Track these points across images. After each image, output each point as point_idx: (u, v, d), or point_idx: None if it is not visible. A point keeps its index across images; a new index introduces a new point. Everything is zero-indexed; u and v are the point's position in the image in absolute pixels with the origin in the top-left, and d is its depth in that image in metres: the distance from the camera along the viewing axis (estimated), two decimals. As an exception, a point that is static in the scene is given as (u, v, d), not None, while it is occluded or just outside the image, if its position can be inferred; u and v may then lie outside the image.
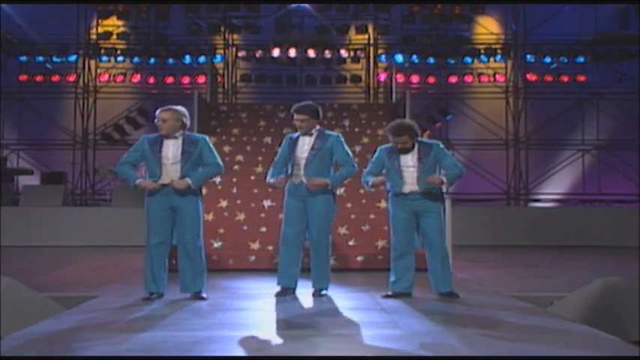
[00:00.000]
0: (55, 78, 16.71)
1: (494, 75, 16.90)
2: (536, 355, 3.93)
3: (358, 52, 17.03)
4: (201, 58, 16.61)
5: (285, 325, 4.88)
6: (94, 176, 16.78)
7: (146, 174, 5.93)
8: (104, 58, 16.93)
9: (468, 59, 16.77)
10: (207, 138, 5.99)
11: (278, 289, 6.19)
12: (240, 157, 10.57)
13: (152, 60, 16.82)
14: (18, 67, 16.80)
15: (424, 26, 16.98)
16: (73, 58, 16.84)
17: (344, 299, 6.01)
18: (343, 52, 16.76)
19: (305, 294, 6.13)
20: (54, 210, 12.89)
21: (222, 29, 16.99)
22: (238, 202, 9.57)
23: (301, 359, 3.89)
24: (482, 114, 17.08)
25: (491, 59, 16.84)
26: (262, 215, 9.31)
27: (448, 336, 4.40)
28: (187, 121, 5.91)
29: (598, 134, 17.08)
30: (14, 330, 4.56)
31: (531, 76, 16.85)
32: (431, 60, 16.65)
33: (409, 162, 5.95)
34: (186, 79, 16.70)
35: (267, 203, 9.44)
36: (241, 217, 9.25)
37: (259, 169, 10.37)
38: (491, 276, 7.98)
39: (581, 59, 16.52)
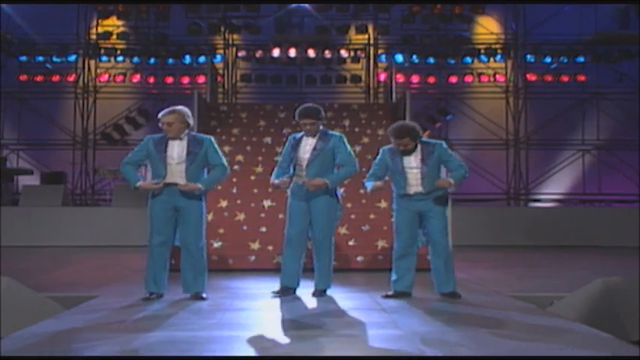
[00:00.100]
0: (55, 78, 16.71)
1: (494, 75, 16.90)
2: (536, 355, 3.93)
3: (358, 52, 17.02)
4: (201, 58, 16.60)
5: (285, 325, 4.88)
6: (94, 176, 16.77)
7: (148, 174, 5.92)
8: (104, 58, 16.92)
9: (468, 59, 16.76)
10: (212, 138, 5.97)
11: (277, 287, 6.21)
12: (240, 157, 10.57)
13: (152, 60, 16.81)
14: (18, 67, 16.79)
15: (424, 26, 16.97)
16: (73, 58, 16.83)
17: (344, 299, 6.00)
18: (343, 52, 16.75)
19: (305, 294, 6.14)
20: (54, 210, 12.89)
21: (222, 29, 16.98)
22: (238, 202, 9.56)
23: (301, 359, 3.89)
24: (482, 114, 17.08)
25: (492, 59, 16.83)
26: (262, 215, 9.30)
27: (448, 336, 4.40)
28: (191, 121, 5.90)
29: (598, 134, 17.07)
30: (14, 330, 4.56)
31: (531, 76, 16.84)
32: (431, 60, 16.64)
33: (412, 163, 5.93)
34: (186, 79, 16.70)
35: (267, 203, 9.44)
36: (241, 217, 9.25)
37: (259, 169, 10.37)
38: (492, 276, 7.98)
39: (581, 59, 16.51)
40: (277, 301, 5.90)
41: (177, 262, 6.24)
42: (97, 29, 17.01)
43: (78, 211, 13.51)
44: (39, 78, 16.66)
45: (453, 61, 16.75)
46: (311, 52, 16.41)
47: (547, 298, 6.12)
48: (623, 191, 16.37)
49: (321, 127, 6.19)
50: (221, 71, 16.78)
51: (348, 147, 6.19)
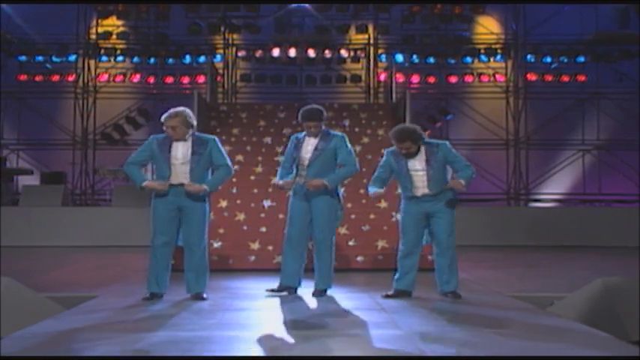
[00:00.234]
0: (55, 78, 16.70)
1: (494, 75, 16.90)
2: (536, 355, 3.93)
3: (358, 52, 17.02)
4: (201, 58, 16.60)
5: (285, 325, 4.87)
6: (94, 176, 16.77)
7: (153, 174, 5.91)
8: (104, 58, 16.92)
9: (468, 59, 16.76)
10: (216, 138, 5.95)
11: (274, 287, 6.21)
12: (240, 157, 10.56)
13: (152, 60, 16.81)
14: (18, 67, 16.80)
15: (424, 26, 16.97)
16: (72, 57, 16.83)
17: (344, 299, 6.00)
18: (343, 52, 16.75)
19: (306, 294, 6.14)
20: (54, 210, 12.88)
21: (222, 29, 16.98)
22: (238, 202, 9.56)
23: (301, 359, 3.89)
24: (482, 114, 17.08)
25: (492, 59, 16.83)
26: (262, 215, 9.30)
27: (449, 336, 4.40)
28: (194, 122, 5.88)
29: (598, 134, 17.07)
30: (14, 330, 4.56)
31: (531, 76, 16.84)
32: (431, 60, 16.64)
33: (417, 166, 5.91)
34: (186, 79, 16.70)
35: (267, 203, 9.43)
36: (241, 217, 9.25)
37: (259, 169, 10.37)
38: (492, 276, 7.98)
39: (581, 59, 16.51)
40: (277, 301, 5.90)
41: (178, 263, 6.25)
42: (96, 29, 17.00)
43: (78, 211, 13.51)
44: (39, 78, 16.66)
45: (453, 61, 16.75)
46: (311, 52, 16.41)
47: (547, 298, 6.12)
48: (623, 191, 16.37)
49: (323, 127, 6.19)
50: (221, 71, 16.78)
51: (350, 147, 6.18)
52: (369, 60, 17.21)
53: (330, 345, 4.18)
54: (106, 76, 16.88)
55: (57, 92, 17.08)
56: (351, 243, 8.72)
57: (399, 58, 16.58)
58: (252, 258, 8.50)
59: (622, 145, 16.61)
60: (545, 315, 5.37)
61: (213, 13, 16.86)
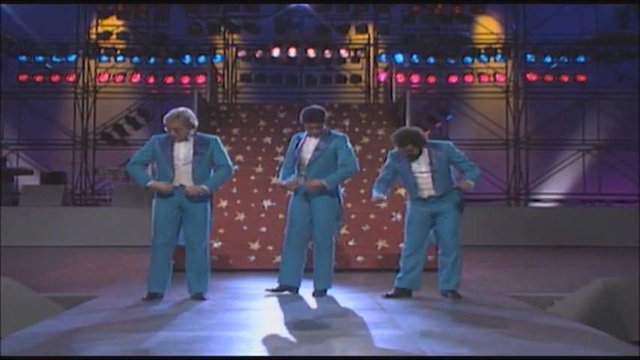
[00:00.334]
0: (55, 78, 16.69)
1: (494, 75, 16.89)
2: (536, 355, 3.93)
3: (358, 52, 17.01)
4: (201, 58, 16.59)
5: (285, 325, 4.87)
6: (94, 176, 16.77)
7: (155, 173, 5.91)
8: (104, 58, 16.92)
9: (468, 59, 16.76)
10: (217, 138, 5.95)
11: (274, 287, 6.22)
12: (240, 157, 10.56)
13: (152, 60, 16.81)
14: (18, 67, 16.79)
15: (424, 26, 16.97)
16: (72, 58, 16.82)
17: (344, 299, 6.00)
18: (343, 52, 16.75)
19: (305, 294, 6.14)
20: (54, 210, 12.88)
21: (222, 29, 16.98)
22: (238, 202, 9.56)
23: (301, 359, 3.89)
24: (482, 114, 17.07)
25: (492, 59, 16.83)
26: (262, 215, 9.30)
27: (449, 336, 4.40)
28: (196, 122, 5.87)
29: (598, 134, 17.07)
30: (14, 330, 4.56)
31: (531, 76, 16.84)
32: (431, 60, 16.64)
33: (422, 167, 5.90)
34: (186, 79, 16.69)
35: (267, 203, 9.43)
36: (241, 217, 9.25)
37: (259, 169, 10.37)
38: (492, 276, 7.98)
39: (581, 59, 16.50)
40: (277, 301, 5.90)
41: (179, 262, 6.25)
42: (96, 29, 17.00)
43: (78, 211, 13.51)
44: (39, 78, 16.65)
45: (453, 61, 16.75)
46: (311, 52, 16.41)
47: (547, 298, 6.12)
48: (623, 191, 16.37)
49: (324, 127, 6.19)
50: (221, 71, 16.77)
51: (350, 147, 6.17)
52: (369, 60, 17.21)
53: (330, 345, 4.17)
54: (105, 76, 16.87)
55: (57, 92, 17.08)
56: (351, 243, 8.72)
57: (399, 58, 16.57)
58: (252, 258, 8.50)
59: (622, 145, 16.60)
60: (545, 315, 5.37)
61: (213, 13, 16.85)
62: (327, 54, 16.48)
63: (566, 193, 17.06)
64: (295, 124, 10.72)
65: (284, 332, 4.59)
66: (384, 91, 15.01)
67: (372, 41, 17.20)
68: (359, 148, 10.64)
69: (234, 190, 9.74)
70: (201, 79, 16.10)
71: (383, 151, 10.73)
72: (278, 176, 6.42)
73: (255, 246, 8.64)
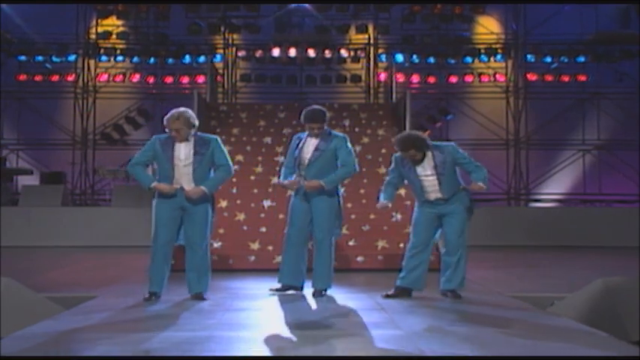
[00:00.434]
0: (55, 78, 16.69)
1: (494, 75, 16.88)
2: (536, 355, 3.92)
3: (358, 52, 17.01)
4: (201, 58, 16.59)
5: (285, 325, 4.87)
6: (94, 176, 16.76)
7: (155, 174, 5.90)
8: (104, 58, 16.91)
9: (469, 59, 16.76)
10: (218, 138, 5.94)
11: (277, 286, 6.23)
12: (240, 157, 10.55)
13: (152, 60, 16.80)
14: (17, 67, 16.79)
15: (424, 26, 16.97)
16: (72, 57, 16.82)
17: (344, 299, 6.00)
18: (343, 52, 16.74)
19: (305, 294, 6.13)
20: (53, 210, 12.87)
21: (222, 29, 16.97)
22: (238, 202, 9.55)
23: (301, 359, 3.88)
24: (482, 114, 17.07)
25: (492, 59, 16.82)
26: (262, 215, 9.29)
27: (449, 336, 4.39)
28: (197, 122, 5.86)
29: (598, 134, 17.06)
30: (14, 330, 4.56)
31: (532, 76, 16.83)
32: (431, 60, 16.63)
33: (427, 171, 5.89)
34: (185, 79, 16.69)
35: (267, 203, 9.42)
36: (241, 217, 9.24)
37: (259, 169, 10.36)
38: (492, 276, 7.97)
39: (581, 59, 16.50)
40: (277, 301, 5.90)
41: (178, 262, 6.24)
42: (96, 29, 17.00)
43: (77, 211, 13.50)
44: (38, 78, 16.65)
45: (453, 61, 16.74)
46: (311, 52, 16.40)
47: (548, 299, 6.11)
48: (623, 191, 16.36)
49: (325, 128, 6.18)
50: (221, 71, 16.77)
51: (350, 147, 6.17)
52: (369, 60, 17.20)
53: (330, 345, 4.17)
54: (105, 76, 16.87)
55: (57, 92, 17.08)
56: (351, 243, 8.71)
57: (399, 58, 16.57)
58: (252, 258, 8.49)
59: (622, 145, 16.60)
60: (546, 315, 5.37)
61: (213, 13, 16.85)
62: (327, 54, 16.47)
63: (566, 193, 17.05)
64: (295, 124, 10.71)
65: (284, 332, 4.58)
66: (384, 91, 15.00)
67: (372, 41, 17.19)
68: (359, 148, 10.63)
69: (234, 190, 9.74)
70: (201, 79, 16.10)
71: (383, 151, 10.75)
72: (279, 176, 6.42)
73: (255, 246, 8.63)
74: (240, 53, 16.94)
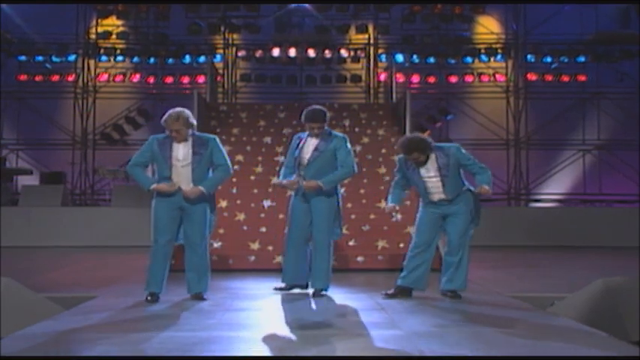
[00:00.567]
0: (55, 78, 16.68)
1: (494, 75, 16.88)
2: (536, 355, 3.92)
3: (358, 52, 17.00)
4: (201, 58, 16.59)
5: (285, 325, 4.87)
6: (94, 176, 16.76)
7: (154, 174, 5.89)
8: (104, 58, 16.90)
9: (469, 59, 16.75)
10: (216, 138, 5.92)
11: (281, 285, 6.25)
12: (240, 157, 10.55)
13: (152, 60, 16.80)
14: (17, 67, 16.78)
15: (424, 26, 16.96)
16: (72, 57, 16.81)
17: (344, 299, 6.00)
18: (343, 52, 16.73)
19: (305, 294, 6.13)
20: (53, 210, 12.87)
21: (222, 29, 16.97)
22: (238, 202, 9.55)
23: (301, 359, 3.88)
24: (482, 114, 17.07)
25: (492, 59, 16.82)
26: (262, 215, 9.29)
27: (449, 336, 4.39)
28: (194, 121, 5.86)
29: (599, 134, 17.06)
30: (14, 330, 4.56)
31: (532, 76, 16.82)
32: (431, 60, 16.63)
33: (431, 172, 5.88)
34: (185, 79, 16.69)
35: (267, 203, 9.42)
36: (241, 217, 9.24)
37: (259, 169, 10.36)
38: (492, 276, 7.97)
39: (581, 59, 16.49)
40: (277, 301, 5.90)
41: (178, 263, 6.23)
42: (96, 29, 16.99)
43: (77, 211, 13.49)
44: (38, 78, 16.65)
45: (453, 61, 16.74)
46: (311, 52, 16.40)
47: (548, 299, 6.11)
48: (623, 191, 16.36)
49: (326, 128, 6.18)
50: (221, 71, 16.77)
51: (349, 148, 6.16)
52: (369, 60, 17.20)
53: (330, 345, 4.17)
54: (105, 76, 16.86)
55: (56, 92, 17.07)
56: (351, 243, 8.71)
57: (399, 58, 16.57)
58: (252, 258, 8.48)
59: (622, 145, 16.60)
60: (546, 315, 5.36)
61: (213, 13, 16.85)
62: (327, 54, 16.47)
63: (566, 193, 17.05)
64: (295, 124, 10.71)
65: (284, 332, 4.58)
66: (384, 91, 15.00)
67: (372, 41, 17.19)
68: (359, 148, 10.64)
69: (234, 190, 9.74)
70: (201, 79, 16.10)
71: (383, 151, 10.75)
72: (279, 176, 6.42)
73: (255, 246, 8.63)
74: (240, 53, 16.93)
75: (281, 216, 8.47)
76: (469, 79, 16.88)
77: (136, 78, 16.88)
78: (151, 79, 16.93)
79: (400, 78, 15.62)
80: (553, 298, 6.08)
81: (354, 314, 5.29)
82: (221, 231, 8.79)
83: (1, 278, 5.19)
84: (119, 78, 16.81)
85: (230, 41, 17.25)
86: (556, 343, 4.21)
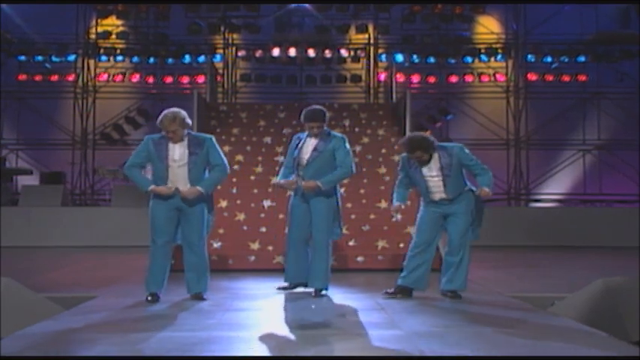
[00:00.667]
0: (55, 78, 16.70)
1: (494, 75, 16.88)
2: (536, 355, 3.92)
3: (358, 52, 17.01)
4: (201, 58, 16.59)
5: (285, 325, 4.86)
6: (94, 176, 16.76)
7: (152, 175, 5.88)
8: (103, 58, 16.90)
9: (469, 59, 16.75)
10: (212, 138, 5.90)
11: (285, 284, 6.27)
12: (240, 157, 10.55)
13: (152, 60, 16.80)
14: (17, 67, 16.79)
15: (424, 26, 16.96)
16: (72, 57, 16.81)
17: (343, 299, 5.99)
18: (343, 52, 16.74)
19: (305, 294, 6.12)
20: (53, 210, 12.87)
21: (222, 29, 16.97)
22: (238, 202, 9.55)
23: (301, 359, 3.88)
24: (482, 114, 17.07)
25: (492, 59, 16.82)
26: (262, 215, 9.28)
27: (449, 336, 4.38)
28: (190, 121, 5.85)
29: (599, 134, 17.06)
30: (14, 330, 4.55)
31: (532, 76, 16.82)
32: (431, 60, 16.63)
33: (433, 172, 5.88)
34: (185, 79, 16.69)
35: (267, 203, 9.42)
36: (241, 217, 9.23)
37: (259, 169, 10.36)
38: (492, 276, 7.96)
39: (582, 59, 16.49)
40: (277, 301, 5.89)
41: (178, 263, 6.23)
42: (96, 29, 16.99)
43: (77, 211, 13.49)
44: (38, 78, 16.65)
45: (453, 61, 16.74)
46: (311, 52, 16.39)
47: (548, 299, 6.11)
48: (623, 191, 16.36)
49: (325, 127, 6.18)
50: (221, 71, 16.76)
51: (348, 148, 6.16)
52: (369, 60, 17.19)
53: (330, 345, 4.17)
54: (105, 76, 16.86)
55: (56, 92, 17.07)
56: (351, 243, 8.70)
57: (399, 57, 16.56)
58: (252, 258, 8.48)
59: (623, 145, 16.60)
60: (546, 315, 5.36)
61: (213, 13, 16.85)
62: (327, 54, 16.47)
63: (566, 193, 17.05)
64: (295, 124, 10.71)
65: (284, 332, 4.58)
66: (384, 91, 14.99)
67: (372, 41, 17.19)
68: (359, 148, 10.63)
69: (234, 190, 9.73)
70: (201, 78, 16.10)
71: (383, 151, 10.75)
72: (278, 176, 6.42)
73: (255, 246, 8.63)
74: (240, 53, 16.93)
75: (281, 216, 8.47)
76: (469, 79, 16.89)
77: (136, 78, 16.88)
78: (151, 79, 16.93)
79: (400, 78, 15.62)
80: (553, 298, 6.08)
81: (353, 314, 5.29)
82: (221, 231, 8.79)
83: (1, 278, 5.19)
84: (119, 78, 16.82)
85: (230, 41, 17.25)
86: (556, 343, 4.21)
